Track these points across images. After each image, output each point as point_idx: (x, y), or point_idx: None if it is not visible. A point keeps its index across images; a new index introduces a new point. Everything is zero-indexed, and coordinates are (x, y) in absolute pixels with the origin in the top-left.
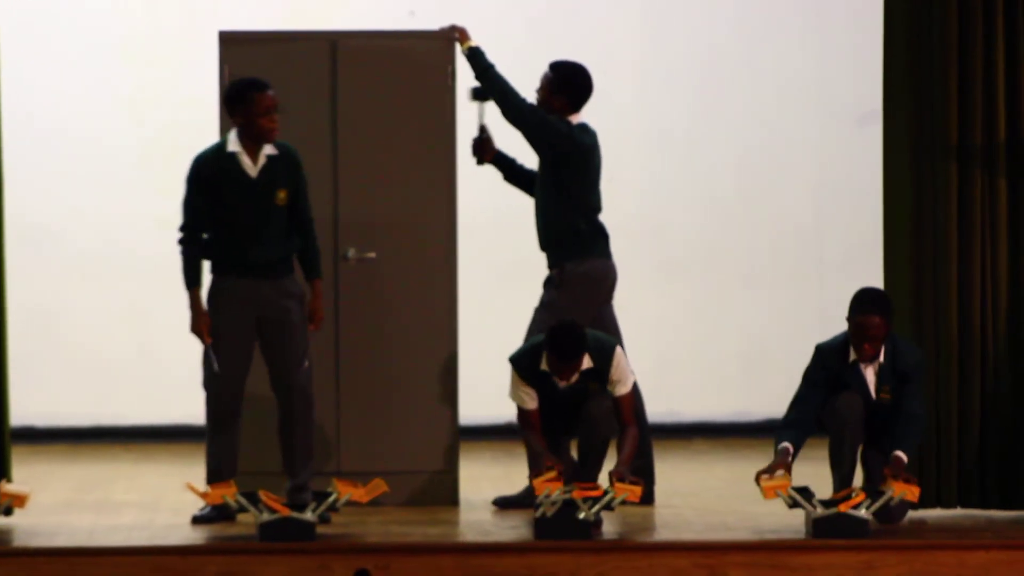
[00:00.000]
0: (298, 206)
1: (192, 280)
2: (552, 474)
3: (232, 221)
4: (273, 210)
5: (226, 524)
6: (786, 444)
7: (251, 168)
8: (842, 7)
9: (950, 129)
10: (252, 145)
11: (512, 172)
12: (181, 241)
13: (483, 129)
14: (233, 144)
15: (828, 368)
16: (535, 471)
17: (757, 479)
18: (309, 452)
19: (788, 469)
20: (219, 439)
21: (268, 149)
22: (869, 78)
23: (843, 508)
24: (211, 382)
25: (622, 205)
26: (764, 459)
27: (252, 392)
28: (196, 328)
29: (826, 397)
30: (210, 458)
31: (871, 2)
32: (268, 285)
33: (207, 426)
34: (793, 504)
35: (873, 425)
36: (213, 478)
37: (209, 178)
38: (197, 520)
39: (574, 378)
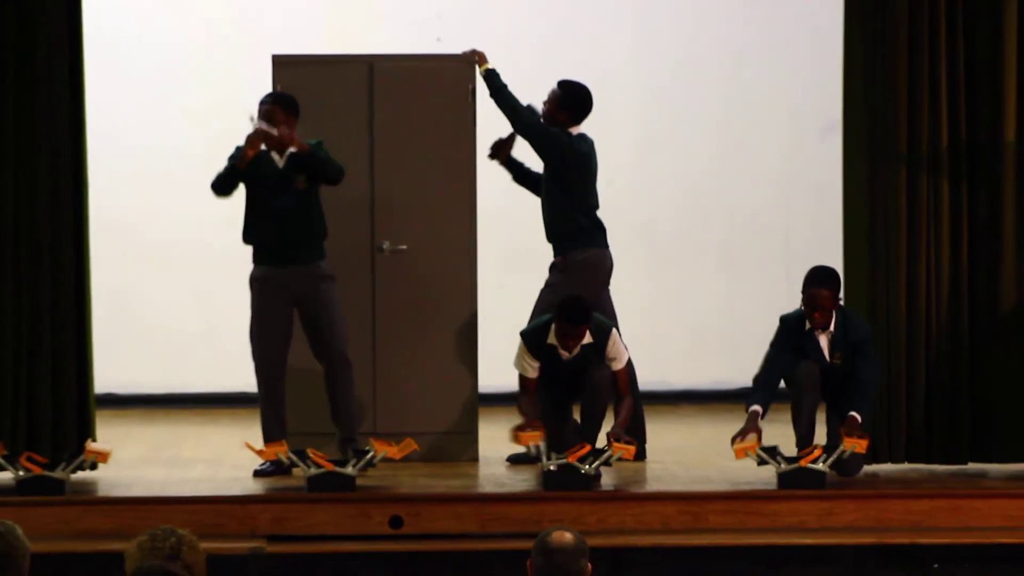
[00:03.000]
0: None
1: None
2: (536, 432)
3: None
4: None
5: (281, 477)
6: (755, 407)
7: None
8: (809, 31)
9: (900, 139)
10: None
11: (520, 174)
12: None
13: (512, 135)
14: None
15: (789, 334)
16: (519, 426)
17: (732, 442)
18: (352, 407)
19: (758, 430)
20: (268, 404)
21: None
22: (831, 94)
23: (803, 463)
24: (257, 356)
25: (617, 203)
26: (741, 422)
27: (300, 364)
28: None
29: (789, 359)
30: (264, 420)
31: (834, 28)
32: (301, 270)
33: (259, 393)
34: (761, 462)
35: (831, 390)
36: (268, 437)
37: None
38: (258, 474)
39: (576, 350)
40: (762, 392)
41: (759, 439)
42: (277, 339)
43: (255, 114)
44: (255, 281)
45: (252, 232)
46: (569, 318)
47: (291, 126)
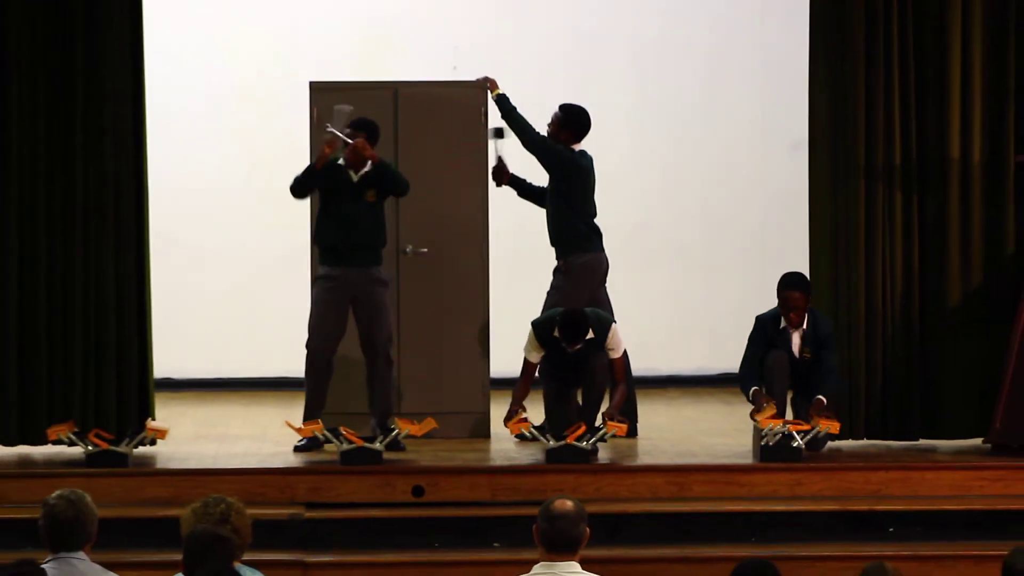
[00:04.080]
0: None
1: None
2: (521, 418)
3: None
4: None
5: (317, 452)
6: (756, 387)
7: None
8: (779, 55)
9: (859, 153)
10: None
11: (523, 190)
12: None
13: (500, 160)
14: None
15: (765, 332)
16: (509, 416)
17: (753, 416)
18: (389, 399)
19: (771, 401)
20: (313, 388)
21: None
22: (799, 114)
23: (792, 428)
24: (311, 345)
25: (612, 211)
26: (721, 404)
27: (341, 351)
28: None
29: (764, 353)
30: (307, 401)
31: (801, 52)
32: (360, 272)
33: (306, 378)
34: (774, 431)
35: (798, 378)
36: (307, 416)
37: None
38: (297, 449)
39: (578, 347)
40: (752, 381)
41: (775, 408)
42: (332, 332)
43: (333, 120)
44: (319, 279)
45: (322, 235)
46: (567, 335)
47: (372, 146)
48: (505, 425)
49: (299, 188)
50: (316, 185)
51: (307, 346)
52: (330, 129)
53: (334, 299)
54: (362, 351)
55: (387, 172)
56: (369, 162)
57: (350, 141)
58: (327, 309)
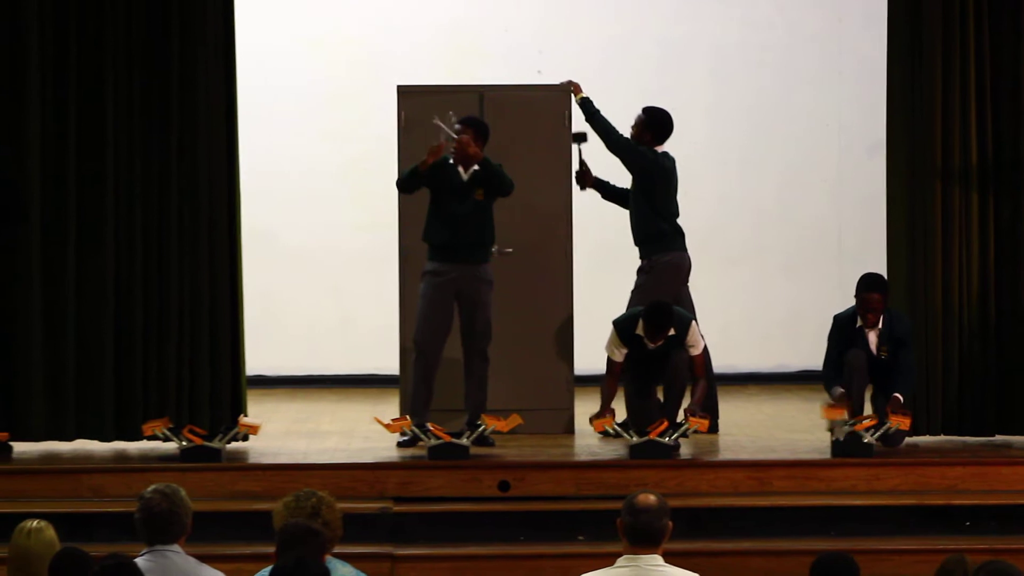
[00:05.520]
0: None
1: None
2: (608, 419)
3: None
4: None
5: (406, 448)
6: (841, 389)
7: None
8: (856, 61)
9: (935, 155)
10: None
11: (607, 192)
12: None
13: (583, 164)
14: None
15: (842, 331)
16: (599, 414)
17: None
18: (483, 396)
19: (847, 402)
20: (421, 382)
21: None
22: (877, 117)
23: (858, 428)
24: (419, 339)
25: (695, 212)
26: (800, 400)
27: (444, 353)
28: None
29: (843, 352)
30: (413, 395)
31: (879, 58)
32: (467, 269)
33: (413, 371)
34: (831, 429)
35: (877, 376)
36: (413, 411)
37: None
38: (402, 444)
39: (660, 342)
40: (834, 380)
41: (849, 409)
42: (439, 326)
43: (440, 122)
44: (427, 274)
45: (431, 232)
46: (654, 325)
47: (479, 145)
48: (591, 423)
49: (404, 184)
50: (424, 183)
51: (414, 340)
52: (436, 121)
53: (441, 295)
54: (461, 346)
55: (492, 170)
56: (479, 165)
57: (455, 136)
58: (434, 304)
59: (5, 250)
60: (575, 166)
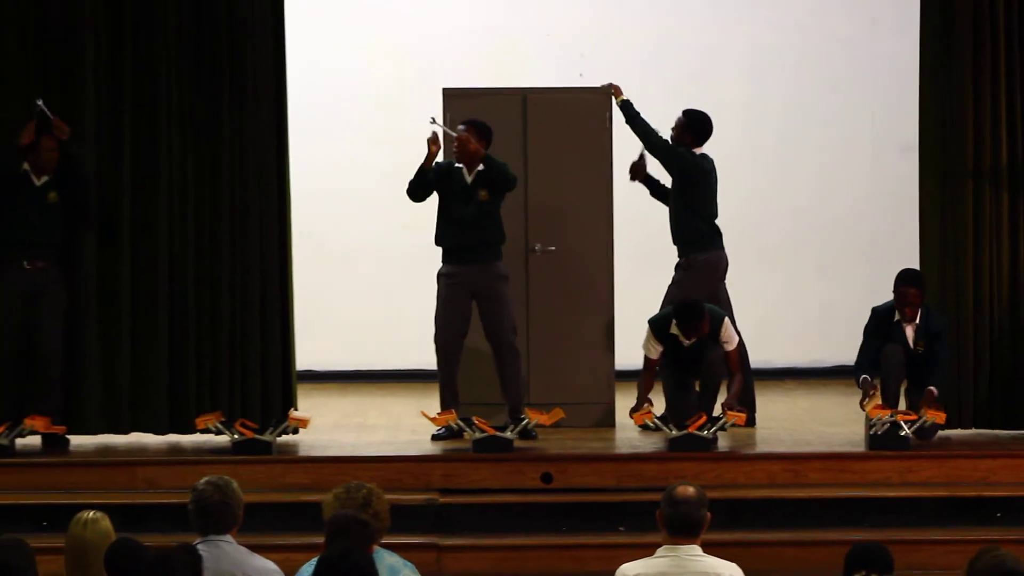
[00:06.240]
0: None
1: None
2: (647, 412)
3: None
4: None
5: (453, 440)
6: (866, 376)
7: (467, 176)
8: (889, 65)
9: (967, 156)
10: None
11: (656, 189)
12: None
13: (642, 156)
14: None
15: (879, 324)
16: (636, 408)
17: (861, 405)
18: (519, 386)
19: (873, 393)
20: (445, 380)
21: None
22: (909, 118)
23: (900, 418)
24: (438, 340)
25: (733, 212)
26: (835, 395)
27: (473, 344)
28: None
29: (879, 344)
30: (441, 392)
31: (912, 63)
32: (480, 269)
33: (437, 370)
34: (875, 422)
35: (913, 369)
36: (443, 407)
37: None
38: (436, 438)
39: (695, 339)
40: (863, 369)
41: (880, 397)
42: (456, 326)
43: (436, 118)
44: (441, 276)
45: (441, 235)
46: (683, 320)
47: (481, 143)
48: (631, 416)
49: (413, 191)
50: (430, 187)
51: (434, 341)
52: (435, 122)
53: (455, 295)
54: (488, 343)
55: (493, 165)
56: (481, 163)
57: (454, 134)
58: (449, 305)
59: (64, 250)
60: (634, 156)
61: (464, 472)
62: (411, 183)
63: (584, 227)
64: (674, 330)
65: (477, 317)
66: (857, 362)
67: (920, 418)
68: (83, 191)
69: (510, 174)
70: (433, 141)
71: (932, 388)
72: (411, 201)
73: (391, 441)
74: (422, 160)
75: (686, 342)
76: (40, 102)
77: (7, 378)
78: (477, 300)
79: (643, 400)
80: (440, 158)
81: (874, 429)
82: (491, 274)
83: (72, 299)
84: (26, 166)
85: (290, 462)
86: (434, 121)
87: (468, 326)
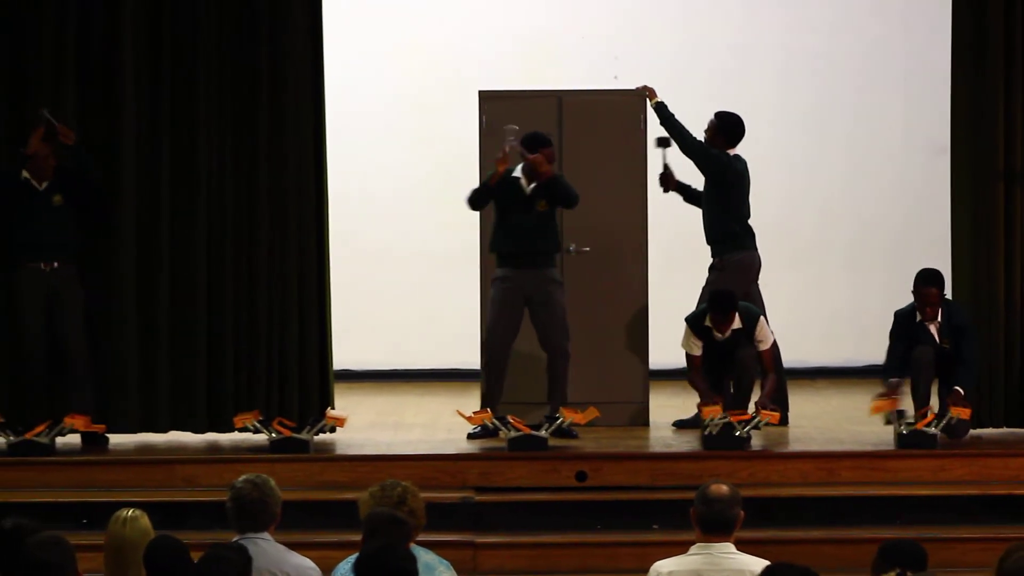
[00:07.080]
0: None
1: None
2: (716, 407)
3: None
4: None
5: (488, 439)
6: (895, 378)
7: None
8: (922, 67)
9: (998, 158)
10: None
11: (689, 195)
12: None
13: (666, 167)
14: (517, 171)
15: (903, 326)
16: (704, 403)
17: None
18: (565, 390)
19: (898, 394)
20: (491, 380)
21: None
22: (941, 120)
23: (919, 426)
24: (488, 341)
25: (765, 212)
26: (867, 394)
27: (523, 348)
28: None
29: (906, 345)
30: (484, 391)
31: (944, 65)
32: (534, 274)
33: (483, 371)
34: (887, 422)
35: (943, 368)
36: (485, 405)
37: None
38: (471, 436)
39: (728, 333)
40: (891, 372)
41: (898, 402)
42: (507, 329)
43: (508, 137)
44: (496, 280)
45: (498, 242)
46: (717, 308)
47: (549, 158)
48: (698, 408)
49: (475, 201)
50: (491, 197)
51: (485, 343)
52: (513, 140)
53: (509, 300)
54: (541, 347)
55: (559, 185)
56: (549, 183)
57: (529, 156)
58: (502, 309)
59: (103, 251)
60: (659, 169)
61: (499, 470)
62: (474, 194)
63: (618, 228)
64: (708, 324)
65: (526, 324)
66: (885, 365)
67: (946, 415)
68: (86, 191)
69: (574, 194)
70: (502, 160)
71: (958, 388)
72: (470, 209)
73: (427, 440)
74: (488, 174)
75: (719, 336)
76: (45, 111)
77: (42, 379)
78: (530, 306)
79: (709, 396)
80: (471, 171)
81: (901, 428)
82: (546, 278)
83: (111, 300)
84: (25, 174)
85: (327, 460)
86: (514, 139)
87: (517, 334)
